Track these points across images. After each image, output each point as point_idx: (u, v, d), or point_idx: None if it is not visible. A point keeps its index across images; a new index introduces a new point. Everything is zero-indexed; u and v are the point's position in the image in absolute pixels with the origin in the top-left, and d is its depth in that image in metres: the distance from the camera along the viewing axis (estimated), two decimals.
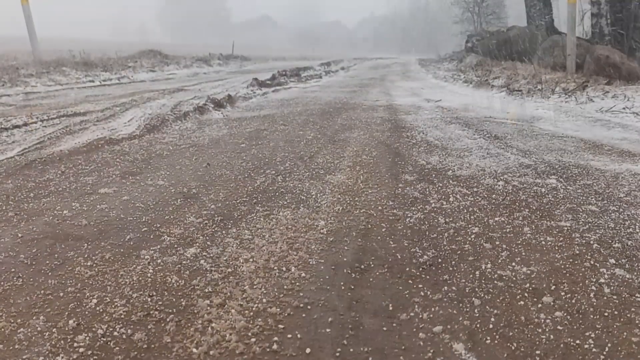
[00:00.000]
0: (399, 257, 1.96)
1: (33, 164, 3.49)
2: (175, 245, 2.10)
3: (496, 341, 1.42)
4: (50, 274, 1.85)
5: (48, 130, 4.68)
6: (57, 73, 10.91)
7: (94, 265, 1.92)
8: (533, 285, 1.71)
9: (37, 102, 7.02)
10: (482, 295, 1.66)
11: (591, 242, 2.07)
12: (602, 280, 1.74)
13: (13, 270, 1.88)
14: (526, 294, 1.66)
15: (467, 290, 1.69)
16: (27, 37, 12.31)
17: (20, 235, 2.21)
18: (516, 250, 2.00)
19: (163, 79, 12.22)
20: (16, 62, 11.95)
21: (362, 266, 1.88)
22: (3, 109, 6.22)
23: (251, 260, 1.94)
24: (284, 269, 1.86)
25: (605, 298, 1.62)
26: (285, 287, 1.72)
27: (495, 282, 1.75)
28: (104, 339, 1.45)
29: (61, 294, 1.70)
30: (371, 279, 1.78)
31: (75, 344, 1.42)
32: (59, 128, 4.79)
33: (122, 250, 2.06)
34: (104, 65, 12.98)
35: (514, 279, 1.77)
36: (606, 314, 1.53)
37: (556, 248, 2.01)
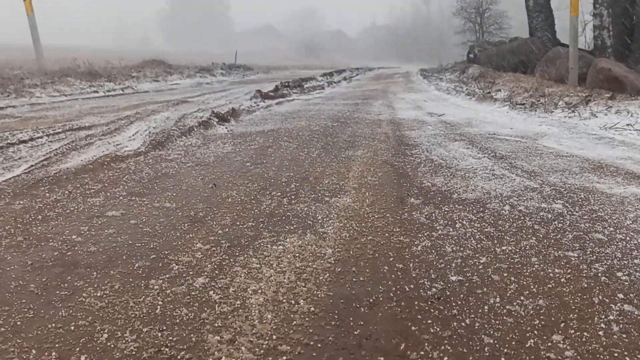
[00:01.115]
0: (407, 289, 1.97)
1: (40, 183, 3.51)
2: (184, 275, 2.11)
3: None
4: (60, 305, 1.86)
5: (54, 146, 4.71)
6: (62, 83, 10.97)
7: (104, 296, 1.93)
8: (542, 322, 1.72)
9: (42, 114, 7.06)
10: (492, 332, 1.66)
11: (599, 274, 2.07)
12: (611, 317, 1.74)
13: (24, 301, 1.89)
14: (536, 332, 1.66)
15: (476, 327, 1.70)
16: (30, 45, 12.42)
17: (29, 262, 2.22)
18: (524, 282, 2.01)
19: (167, 90, 12.28)
20: (21, 71, 12.01)
21: (371, 300, 1.88)
22: (9, 122, 6.25)
23: (260, 292, 1.95)
24: (292, 302, 1.87)
25: (615, 337, 1.63)
26: (294, 322, 1.73)
27: (505, 317, 1.75)
28: None
29: (72, 327, 1.71)
30: (380, 314, 1.78)
31: None
32: (65, 143, 4.81)
33: (131, 279, 2.07)
34: (108, 75, 13.04)
35: (523, 314, 1.77)
36: (616, 354, 1.54)
37: (564, 281, 2.02)
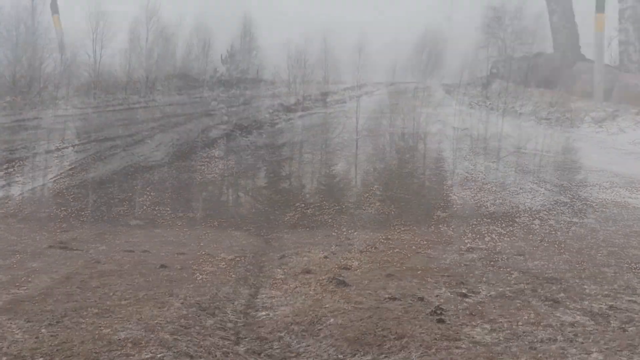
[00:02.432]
0: (438, 303, 1.91)
1: (66, 191, 3.53)
2: (207, 284, 2.08)
3: None
4: (86, 302, 1.84)
5: (80, 156, 4.76)
6: (88, 96, 11.11)
7: (124, 298, 1.90)
8: (581, 340, 1.64)
9: (68, 125, 7.15)
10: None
11: (638, 291, 1.99)
12: None
13: (50, 309, 1.88)
14: (575, 349, 1.59)
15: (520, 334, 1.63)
16: (59, 59, 12.63)
17: (55, 270, 2.22)
18: (559, 299, 1.93)
19: (190, 103, 12.36)
20: (48, 83, 12.22)
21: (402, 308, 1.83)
22: (37, 132, 6.34)
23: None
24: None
25: None
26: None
27: (544, 330, 1.69)
28: None
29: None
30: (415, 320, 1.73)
31: None
32: (90, 154, 4.86)
33: (156, 292, 2.05)
34: (132, 88, 13.19)
35: (561, 327, 1.70)
36: None
37: (601, 297, 1.94)
